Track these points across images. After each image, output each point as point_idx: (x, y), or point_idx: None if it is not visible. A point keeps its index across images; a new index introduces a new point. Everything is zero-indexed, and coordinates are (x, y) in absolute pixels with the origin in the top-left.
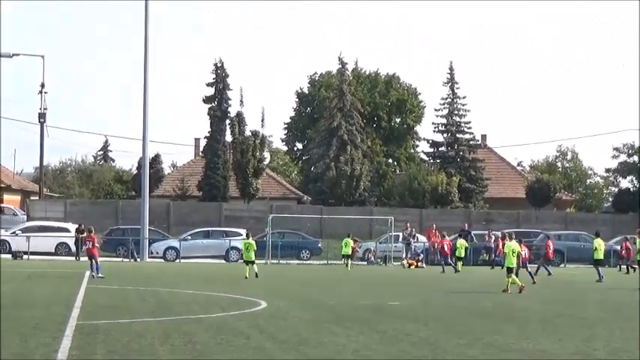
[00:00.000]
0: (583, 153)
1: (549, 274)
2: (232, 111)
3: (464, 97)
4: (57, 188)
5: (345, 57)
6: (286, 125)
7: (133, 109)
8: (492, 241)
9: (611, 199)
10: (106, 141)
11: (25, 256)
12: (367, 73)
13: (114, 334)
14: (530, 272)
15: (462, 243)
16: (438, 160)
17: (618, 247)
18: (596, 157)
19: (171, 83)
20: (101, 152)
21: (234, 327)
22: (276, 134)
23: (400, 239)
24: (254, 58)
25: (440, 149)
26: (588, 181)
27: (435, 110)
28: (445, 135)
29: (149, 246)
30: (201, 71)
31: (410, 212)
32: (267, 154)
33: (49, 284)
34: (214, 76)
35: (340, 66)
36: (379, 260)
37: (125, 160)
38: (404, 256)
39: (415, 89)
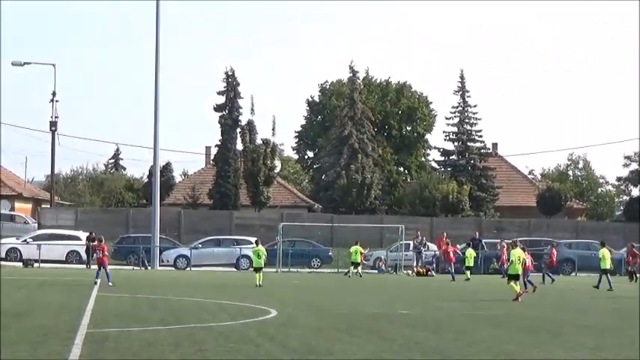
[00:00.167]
0: (595, 161)
1: (552, 280)
2: (243, 119)
3: (475, 106)
4: (68, 196)
5: (356, 65)
6: (297, 133)
7: (144, 118)
8: (505, 250)
9: (622, 208)
10: (117, 149)
11: (36, 264)
12: (378, 81)
13: (124, 342)
14: (530, 281)
15: (470, 252)
16: (449, 169)
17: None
18: (608, 165)
19: (182, 91)
20: (112, 160)
21: (244, 335)
22: (287, 142)
23: (411, 248)
24: (265, 67)
25: (451, 158)
26: (600, 189)
27: (446, 119)
28: (456, 143)
29: (160, 254)
30: (213, 79)
31: (421, 221)
32: (277, 163)
33: (59, 292)
34: (225, 84)
35: (351, 74)
36: (390, 269)
37: (136, 168)
38: (414, 264)
39: (426, 97)
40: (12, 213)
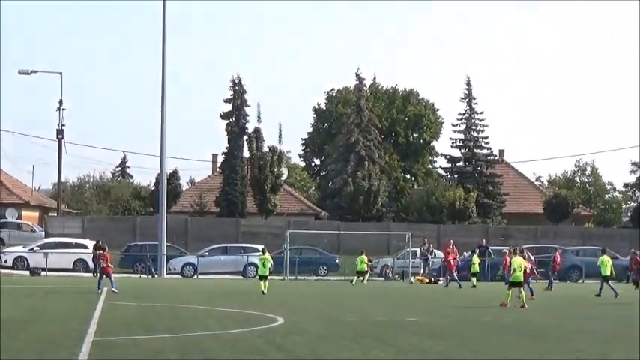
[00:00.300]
0: (602, 168)
1: (550, 288)
2: (250, 127)
3: (481, 113)
4: (75, 204)
5: (363, 72)
6: (304, 141)
7: (151, 126)
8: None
9: (629, 214)
10: (124, 157)
11: (43, 273)
12: (385, 88)
13: (130, 350)
14: (530, 288)
15: (476, 259)
16: (456, 176)
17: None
18: (615, 172)
19: (188, 99)
20: (119, 168)
21: (250, 343)
22: (293, 150)
23: (418, 255)
24: (271, 74)
25: (457, 165)
26: (607, 196)
27: (453, 126)
28: (463, 150)
29: (167, 262)
30: (219, 87)
31: (427, 228)
32: (284, 170)
33: (66, 300)
34: (232, 92)
35: (357, 82)
36: (397, 276)
37: (143, 176)
38: (421, 272)
39: (433, 105)
40: (19, 221)
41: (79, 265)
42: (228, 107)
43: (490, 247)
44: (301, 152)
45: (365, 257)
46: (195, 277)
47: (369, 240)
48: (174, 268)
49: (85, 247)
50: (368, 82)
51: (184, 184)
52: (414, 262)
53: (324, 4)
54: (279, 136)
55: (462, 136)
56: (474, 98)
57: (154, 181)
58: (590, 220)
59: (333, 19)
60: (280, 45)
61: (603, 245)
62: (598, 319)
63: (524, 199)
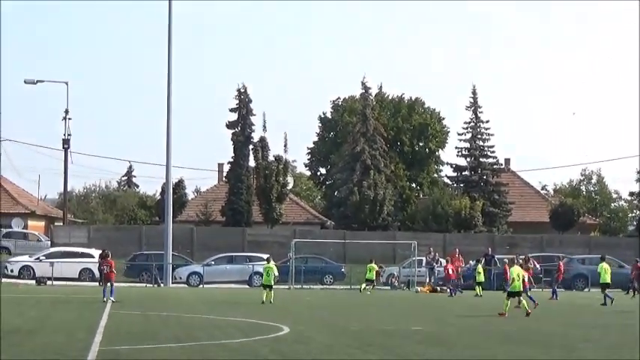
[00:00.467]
0: (608, 176)
1: (553, 296)
2: (255, 136)
3: (487, 121)
4: (81, 214)
5: (369, 82)
6: (309, 150)
7: (157, 135)
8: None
9: (635, 223)
10: (130, 167)
11: (49, 282)
12: (390, 97)
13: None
14: (530, 297)
15: (481, 268)
16: (462, 185)
17: None
18: (621, 180)
19: (194, 109)
20: (125, 178)
21: (256, 352)
22: (299, 159)
23: (424, 264)
24: (277, 84)
25: (463, 173)
26: (613, 204)
27: (459, 134)
28: (468, 159)
29: (172, 271)
30: (225, 97)
31: (433, 237)
32: (290, 179)
33: (72, 310)
34: (237, 101)
35: (363, 91)
36: (402, 285)
37: (149, 185)
38: (427, 280)
39: (438, 113)
40: (25, 231)
41: (85, 274)
42: (234, 116)
43: (496, 256)
44: (307, 161)
45: (374, 265)
46: (201, 286)
47: (375, 249)
48: (180, 278)
49: (91, 256)
50: (374, 91)
51: (190, 194)
52: (419, 271)
53: (330, 13)
54: (285, 145)
55: (467, 144)
56: (480, 107)
57: (159, 190)
58: (596, 228)
59: (338, 29)
60: (286, 54)
61: (612, 254)
62: (603, 328)
63: (530, 207)
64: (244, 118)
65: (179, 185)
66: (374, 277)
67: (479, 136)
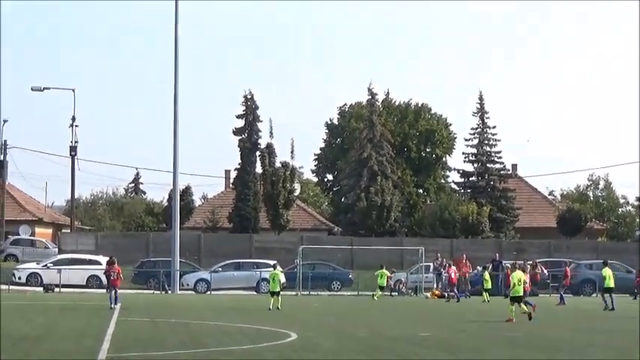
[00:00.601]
0: (616, 182)
1: (563, 303)
2: (262, 142)
3: (494, 127)
4: (88, 221)
5: (375, 88)
6: (316, 156)
7: (164, 142)
8: (527, 271)
9: None
10: (137, 173)
11: (57, 289)
12: (397, 103)
13: None
14: (528, 302)
15: (487, 274)
16: (469, 190)
17: None
18: (628, 185)
19: (201, 115)
20: (132, 185)
21: (263, 359)
22: (306, 165)
23: (431, 270)
24: (284, 90)
25: (470, 179)
26: (620, 210)
27: (465, 140)
28: (475, 165)
29: (180, 278)
30: (232, 103)
31: (441, 242)
32: (297, 186)
33: (80, 317)
34: (244, 108)
35: (370, 97)
36: (410, 291)
37: (156, 192)
38: (435, 286)
39: (445, 119)
40: (32, 238)
41: (93, 281)
42: (241, 123)
43: (503, 262)
44: (314, 167)
45: (385, 271)
46: (209, 292)
47: (383, 255)
48: (188, 284)
49: (99, 263)
50: (380, 97)
51: (197, 200)
52: (427, 276)
53: (336, 19)
54: (292, 152)
55: (474, 150)
56: (487, 113)
57: (166, 197)
58: (604, 234)
59: (345, 35)
60: (292, 60)
61: (620, 259)
62: (611, 333)
63: (538, 213)
64: (251, 124)
65: (186, 192)
66: (384, 284)
67: (486, 142)
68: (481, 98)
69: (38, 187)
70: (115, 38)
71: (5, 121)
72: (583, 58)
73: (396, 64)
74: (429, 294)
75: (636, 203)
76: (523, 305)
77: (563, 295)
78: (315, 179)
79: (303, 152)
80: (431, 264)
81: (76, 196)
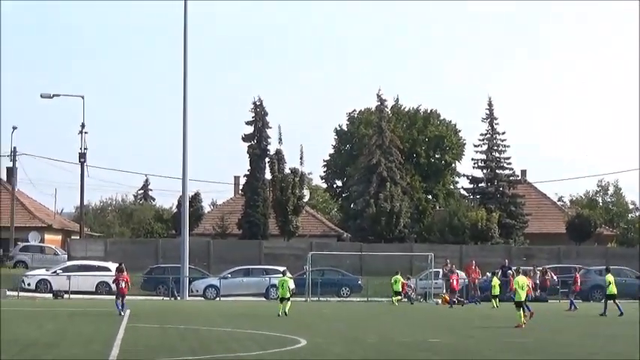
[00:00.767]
0: (625, 187)
1: (575, 308)
2: (271, 149)
3: (503, 133)
4: (97, 227)
5: (384, 94)
6: (325, 162)
7: (173, 148)
8: (537, 277)
9: None
10: (146, 180)
11: (66, 296)
12: (407, 109)
13: None
14: (527, 306)
15: (496, 280)
16: (478, 196)
17: None
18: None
19: (210, 122)
20: (141, 191)
21: None
22: (315, 171)
23: (440, 275)
24: (293, 96)
25: (479, 185)
26: (630, 215)
27: (475, 146)
28: (485, 171)
29: (189, 284)
30: (241, 110)
31: (450, 248)
32: (306, 192)
33: (89, 323)
34: (253, 114)
35: (379, 103)
36: (419, 297)
37: (165, 198)
38: (444, 292)
39: (455, 125)
40: (42, 244)
41: (102, 287)
42: (250, 129)
43: (513, 268)
44: (323, 174)
45: (400, 277)
46: (218, 299)
47: (392, 261)
48: (197, 291)
49: (108, 269)
50: (389, 104)
51: (206, 207)
52: (436, 282)
53: (345, 25)
54: (301, 158)
55: (483, 156)
56: (496, 118)
57: (176, 203)
58: (613, 239)
59: (354, 41)
60: (301, 67)
61: (630, 265)
62: (621, 339)
63: (547, 219)
64: (260, 130)
65: (195, 198)
66: (400, 289)
67: (495, 148)
68: (490, 104)
69: (48, 194)
70: (124, 45)
71: (15, 128)
72: (592, 61)
73: (405, 71)
74: (439, 300)
75: None
76: (520, 311)
77: (574, 301)
78: (324, 185)
79: (312, 158)
80: (440, 270)
81: (85, 202)
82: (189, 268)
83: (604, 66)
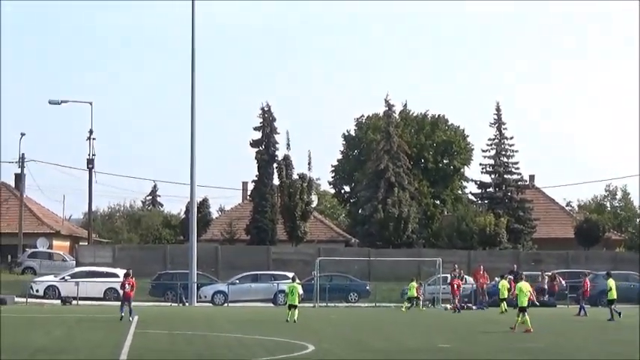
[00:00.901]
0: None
1: (585, 314)
2: (279, 154)
3: (511, 138)
4: (106, 233)
5: (392, 99)
6: (333, 168)
7: (181, 154)
8: (545, 282)
9: None
10: (155, 186)
11: (75, 302)
12: (415, 114)
13: None
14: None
15: (504, 284)
16: (486, 201)
17: None
18: None
19: (218, 128)
20: (150, 197)
21: None
22: (323, 177)
23: (448, 281)
24: (301, 102)
25: (488, 190)
26: (638, 220)
27: (483, 151)
28: (493, 176)
29: (197, 290)
30: (249, 115)
31: (458, 254)
32: (314, 197)
33: (97, 329)
34: (261, 120)
35: (387, 108)
36: (428, 302)
37: (173, 204)
38: (452, 297)
39: (463, 131)
40: (50, 251)
41: (110, 294)
42: (258, 135)
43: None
44: (331, 179)
45: (415, 284)
46: (226, 305)
47: (400, 266)
48: (205, 296)
49: (116, 276)
50: (398, 109)
51: (214, 212)
52: (444, 288)
53: (353, 31)
54: (309, 163)
55: (491, 161)
56: (504, 123)
57: (184, 209)
58: (622, 244)
59: (362, 47)
60: (309, 72)
61: (636, 269)
62: (629, 344)
63: (555, 224)
64: (268, 136)
65: (203, 204)
66: (415, 295)
67: (503, 153)
68: (498, 109)
69: (56, 200)
70: (132, 51)
71: (23, 135)
72: (599, 66)
73: (413, 76)
74: (448, 305)
75: None
76: (518, 318)
77: (584, 306)
78: (332, 191)
79: (320, 164)
80: (448, 275)
81: (93, 208)
82: (198, 274)
83: (613, 70)
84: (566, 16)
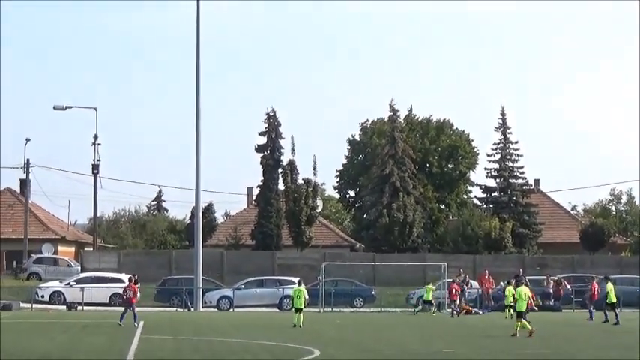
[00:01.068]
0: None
1: (590, 318)
2: (284, 159)
3: (516, 142)
4: (111, 239)
5: (397, 104)
6: (338, 173)
7: (186, 159)
8: (551, 286)
9: None
10: (160, 191)
11: (80, 307)
12: (420, 119)
13: None
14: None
15: (510, 290)
16: (491, 206)
17: None
18: None
19: (223, 133)
20: (155, 202)
21: None
22: (328, 182)
23: (447, 285)
24: (305, 107)
25: (493, 194)
26: None
27: (488, 155)
28: (498, 180)
29: (203, 295)
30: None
31: (463, 258)
32: (319, 202)
33: (103, 334)
34: (267, 125)
35: (391, 113)
36: (433, 307)
37: (178, 209)
38: (457, 302)
39: (468, 135)
40: (55, 256)
41: (116, 299)
42: (263, 140)
43: (527, 277)
44: (336, 184)
45: (431, 286)
46: (232, 310)
47: (405, 271)
48: (211, 302)
49: (121, 281)
50: (403, 114)
51: (220, 217)
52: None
53: (358, 36)
54: (314, 169)
55: (496, 165)
56: (509, 128)
57: (189, 214)
58: (627, 248)
59: (367, 51)
60: (314, 77)
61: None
62: (635, 349)
63: (560, 228)
64: (273, 141)
65: (208, 209)
66: (431, 298)
67: (508, 157)
68: (503, 113)
69: (61, 206)
70: (137, 56)
71: (28, 140)
72: (604, 69)
73: (418, 81)
74: (451, 310)
75: None
76: (523, 321)
77: (592, 310)
78: (337, 196)
79: (325, 169)
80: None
81: (98, 214)
82: (203, 279)
83: (618, 73)
84: (572, 16)
